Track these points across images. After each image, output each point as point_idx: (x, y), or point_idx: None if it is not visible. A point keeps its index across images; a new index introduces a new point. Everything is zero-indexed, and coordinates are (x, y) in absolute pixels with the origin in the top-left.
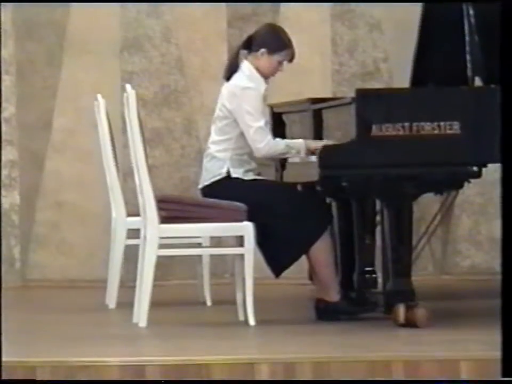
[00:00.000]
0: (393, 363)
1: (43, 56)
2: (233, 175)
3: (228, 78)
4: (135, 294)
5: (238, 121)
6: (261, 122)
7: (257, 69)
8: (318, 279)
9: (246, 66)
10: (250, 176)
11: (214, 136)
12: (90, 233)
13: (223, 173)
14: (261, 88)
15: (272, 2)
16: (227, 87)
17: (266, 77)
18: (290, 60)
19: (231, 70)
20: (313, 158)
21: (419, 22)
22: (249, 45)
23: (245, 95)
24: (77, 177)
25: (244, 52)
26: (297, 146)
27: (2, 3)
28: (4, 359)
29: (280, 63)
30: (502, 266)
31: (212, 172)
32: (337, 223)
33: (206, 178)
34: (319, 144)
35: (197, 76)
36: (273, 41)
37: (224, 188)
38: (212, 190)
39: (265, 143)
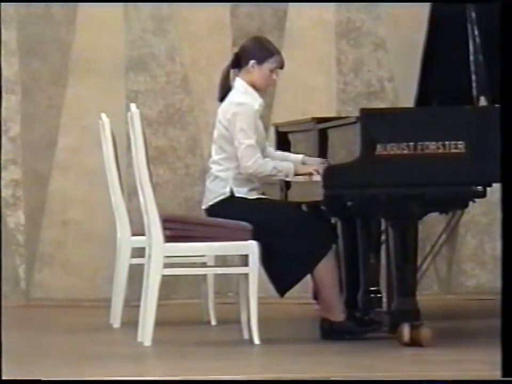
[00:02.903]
0: (398, 383)
1: (48, 74)
2: (237, 194)
3: (222, 99)
4: (140, 313)
5: (232, 136)
6: (252, 140)
7: (251, 83)
8: (322, 299)
9: (239, 83)
10: (254, 195)
11: (214, 156)
12: (95, 252)
13: (226, 192)
14: (255, 104)
15: (278, 2)
16: (223, 105)
17: (261, 89)
18: (281, 66)
19: (224, 90)
20: (318, 178)
21: (424, 41)
22: (238, 62)
23: (239, 111)
24: (82, 196)
25: (234, 71)
26: (285, 170)
27: (4, 22)
28: (7, 377)
29: (271, 71)
30: (502, 285)
31: (215, 192)
32: (342, 242)
33: (210, 198)
34: (308, 169)
35: (201, 94)
36: (260, 51)
37: (228, 207)
38: (216, 209)
39: (253, 161)
